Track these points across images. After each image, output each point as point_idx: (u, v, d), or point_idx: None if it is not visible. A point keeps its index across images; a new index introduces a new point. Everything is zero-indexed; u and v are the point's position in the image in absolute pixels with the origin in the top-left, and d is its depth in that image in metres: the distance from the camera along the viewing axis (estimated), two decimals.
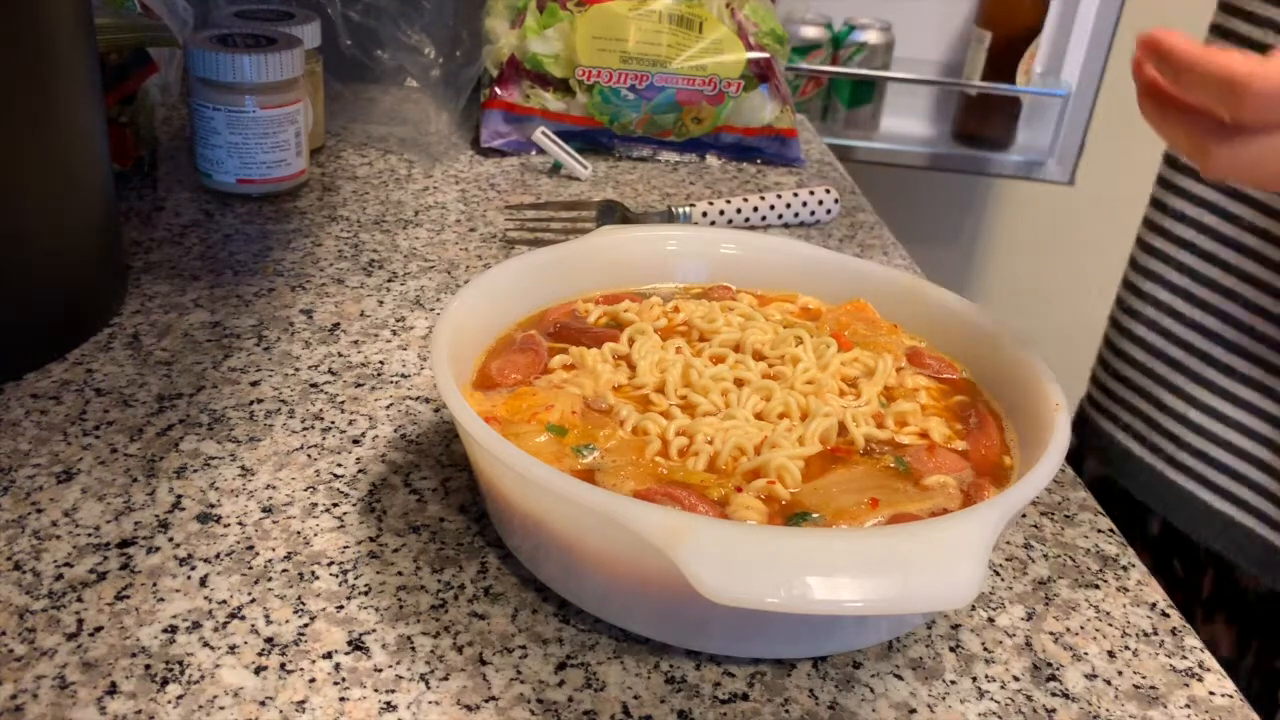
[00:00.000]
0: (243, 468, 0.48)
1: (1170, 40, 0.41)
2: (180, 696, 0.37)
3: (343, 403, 0.54)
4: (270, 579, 0.42)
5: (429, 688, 0.38)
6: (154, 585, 0.41)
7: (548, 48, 0.87)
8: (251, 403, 0.53)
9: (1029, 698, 0.41)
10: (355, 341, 0.59)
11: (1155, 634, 0.44)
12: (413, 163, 0.85)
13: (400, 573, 0.43)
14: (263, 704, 0.37)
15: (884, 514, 0.41)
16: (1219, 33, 0.66)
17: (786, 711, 0.39)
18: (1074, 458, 0.79)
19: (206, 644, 0.39)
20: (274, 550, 0.44)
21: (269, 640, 0.39)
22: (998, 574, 0.47)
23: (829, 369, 0.48)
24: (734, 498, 0.41)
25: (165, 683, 0.37)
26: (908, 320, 0.54)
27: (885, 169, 1.68)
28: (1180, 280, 0.70)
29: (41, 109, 0.52)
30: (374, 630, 0.40)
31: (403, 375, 0.56)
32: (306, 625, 0.40)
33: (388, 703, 0.37)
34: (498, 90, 0.87)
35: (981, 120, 1.74)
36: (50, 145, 0.53)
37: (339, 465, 0.49)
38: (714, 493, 0.41)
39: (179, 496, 0.46)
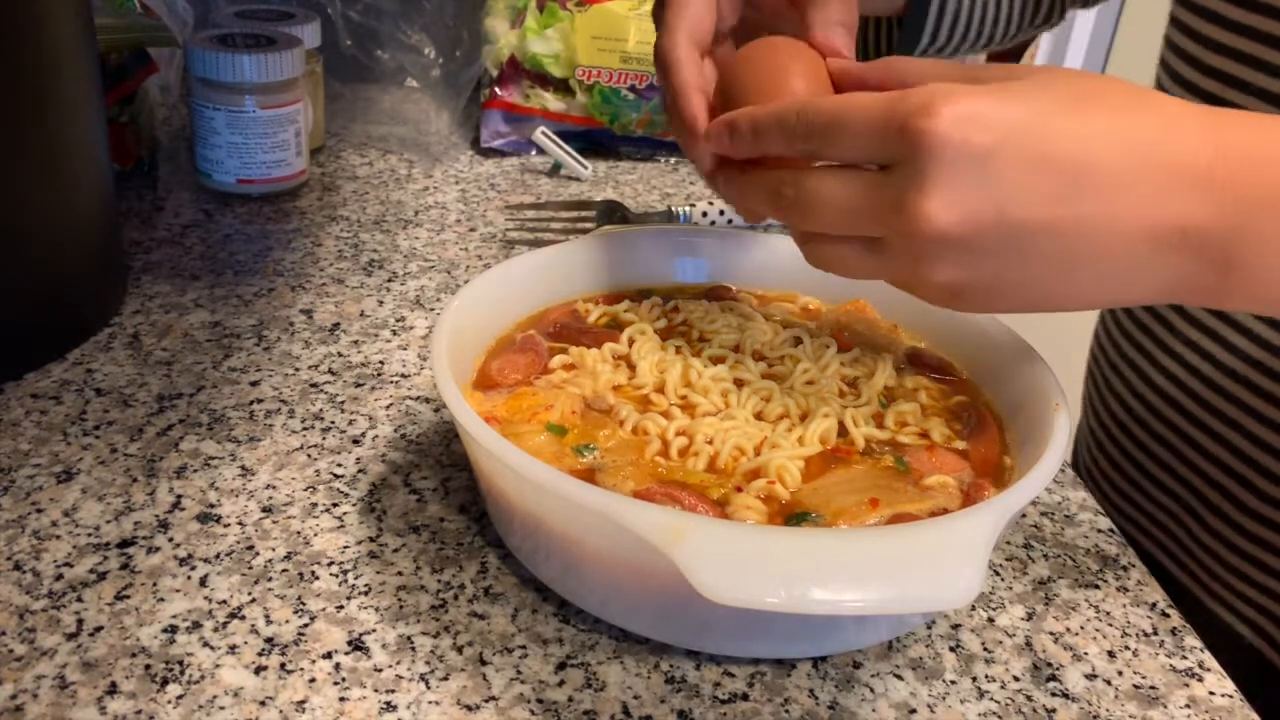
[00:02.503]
0: (243, 468, 0.48)
1: (739, 114, 0.43)
2: (180, 696, 0.37)
3: (343, 403, 0.54)
4: (270, 579, 0.42)
5: (429, 688, 0.38)
6: (154, 585, 0.41)
7: (548, 48, 0.87)
8: (251, 403, 0.53)
9: (1029, 698, 0.41)
10: (355, 341, 0.59)
11: (1155, 634, 0.44)
12: (413, 163, 0.85)
13: (400, 573, 0.43)
14: (263, 704, 0.37)
15: (884, 514, 0.41)
16: (1177, 26, 0.65)
17: (786, 711, 0.39)
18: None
19: (206, 644, 0.39)
20: (274, 550, 0.44)
21: (269, 640, 0.39)
22: (998, 574, 0.47)
23: (828, 369, 0.48)
24: (734, 498, 0.41)
25: (165, 683, 0.37)
26: (907, 321, 0.54)
27: None
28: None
29: (41, 109, 0.52)
30: (374, 630, 0.40)
31: (403, 375, 0.56)
32: (306, 625, 0.40)
33: (388, 703, 0.37)
34: (498, 90, 0.87)
35: None
36: (50, 145, 0.53)
37: (339, 465, 0.49)
38: (714, 493, 0.41)
39: (179, 496, 0.46)
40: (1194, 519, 0.64)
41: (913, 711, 0.39)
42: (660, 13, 0.50)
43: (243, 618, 0.40)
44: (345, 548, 0.44)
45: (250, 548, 0.44)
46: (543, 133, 0.85)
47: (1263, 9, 0.55)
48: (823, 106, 0.39)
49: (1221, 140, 0.36)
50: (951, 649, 0.42)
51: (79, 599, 0.40)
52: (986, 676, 0.41)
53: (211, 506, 0.46)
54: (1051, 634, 0.44)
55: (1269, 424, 0.58)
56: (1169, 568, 0.67)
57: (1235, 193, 0.36)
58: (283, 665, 0.38)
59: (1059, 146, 0.36)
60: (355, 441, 0.51)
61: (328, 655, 0.39)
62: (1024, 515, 0.51)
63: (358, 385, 0.55)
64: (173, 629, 0.40)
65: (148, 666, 0.38)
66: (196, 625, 0.40)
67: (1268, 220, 0.36)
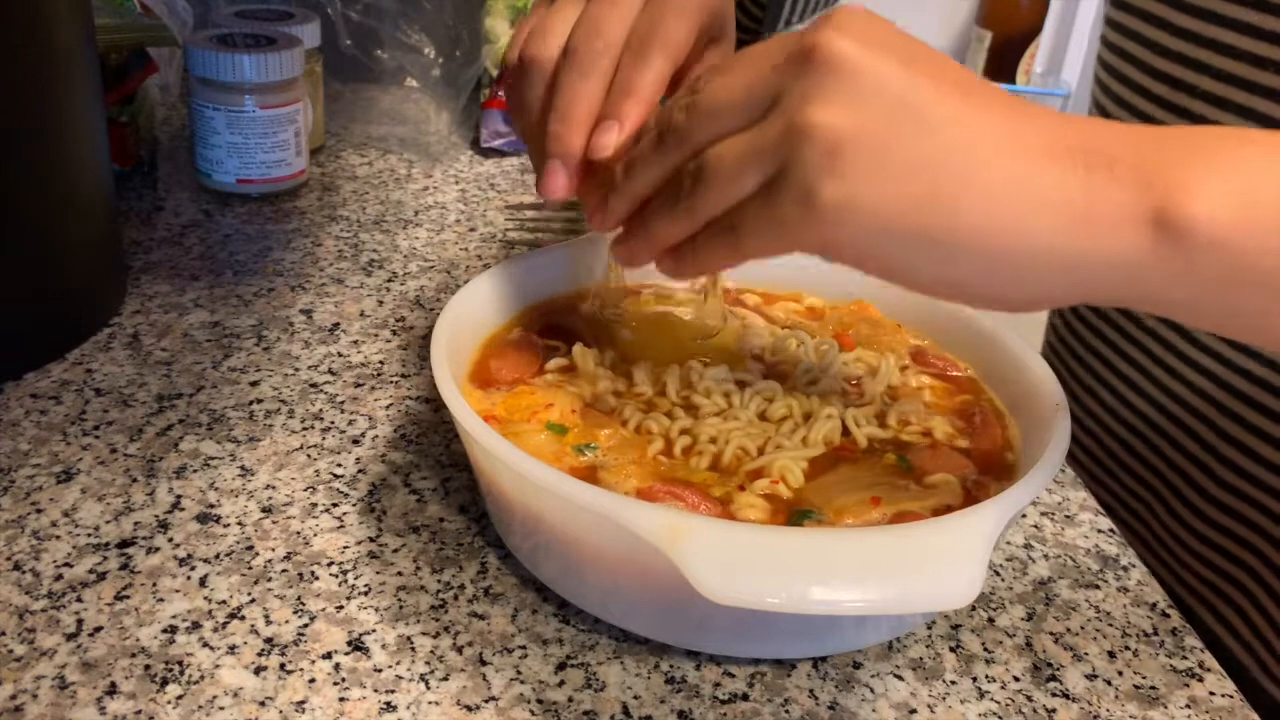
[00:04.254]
0: (242, 468, 0.48)
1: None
2: (180, 696, 0.37)
3: (343, 403, 0.54)
4: (270, 579, 0.42)
5: (429, 688, 0.38)
6: (154, 585, 0.41)
7: None
8: (251, 403, 0.53)
9: (1029, 698, 0.41)
10: (355, 341, 0.59)
11: (1155, 634, 0.44)
12: (413, 163, 0.85)
13: (400, 573, 0.43)
14: (262, 704, 0.37)
15: (886, 512, 0.41)
16: (1111, 25, 0.66)
17: (786, 711, 0.39)
18: None
19: (206, 644, 0.39)
20: (274, 550, 0.44)
21: (269, 640, 0.39)
22: (998, 574, 0.47)
23: (830, 369, 0.48)
24: (736, 496, 0.41)
25: (165, 683, 0.37)
26: (910, 321, 0.54)
27: None
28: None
29: (41, 109, 0.52)
30: (374, 630, 0.40)
31: (403, 375, 0.56)
32: (306, 625, 0.40)
33: (388, 703, 0.37)
34: (498, 90, 0.87)
35: None
36: (50, 145, 0.53)
37: (339, 465, 0.49)
38: (716, 491, 0.41)
39: (179, 496, 0.46)
40: (1162, 505, 0.65)
41: (913, 711, 0.39)
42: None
43: (242, 618, 0.40)
44: (345, 548, 0.44)
45: (250, 548, 0.44)
46: None
47: (1204, 14, 0.56)
48: (714, 67, 0.37)
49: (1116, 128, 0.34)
50: (951, 649, 0.42)
51: (79, 599, 0.40)
52: (986, 676, 0.41)
53: (211, 507, 0.46)
54: (1051, 634, 0.44)
55: (1230, 415, 0.59)
56: (1146, 559, 0.68)
57: (1139, 136, 0.33)
58: (282, 665, 0.38)
59: (949, 62, 0.34)
60: (355, 441, 0.51)
61: (327, 655, 0.39)
62: (1024, 515, 0.51)
63: (358, 385, 0.55)
64: (172, 629, 0.40)
65: (147, 666, 0.38)
66: (196, 625, 0.40)
67: (1187, 154, 0.32)
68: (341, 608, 0.41)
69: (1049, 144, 0.32)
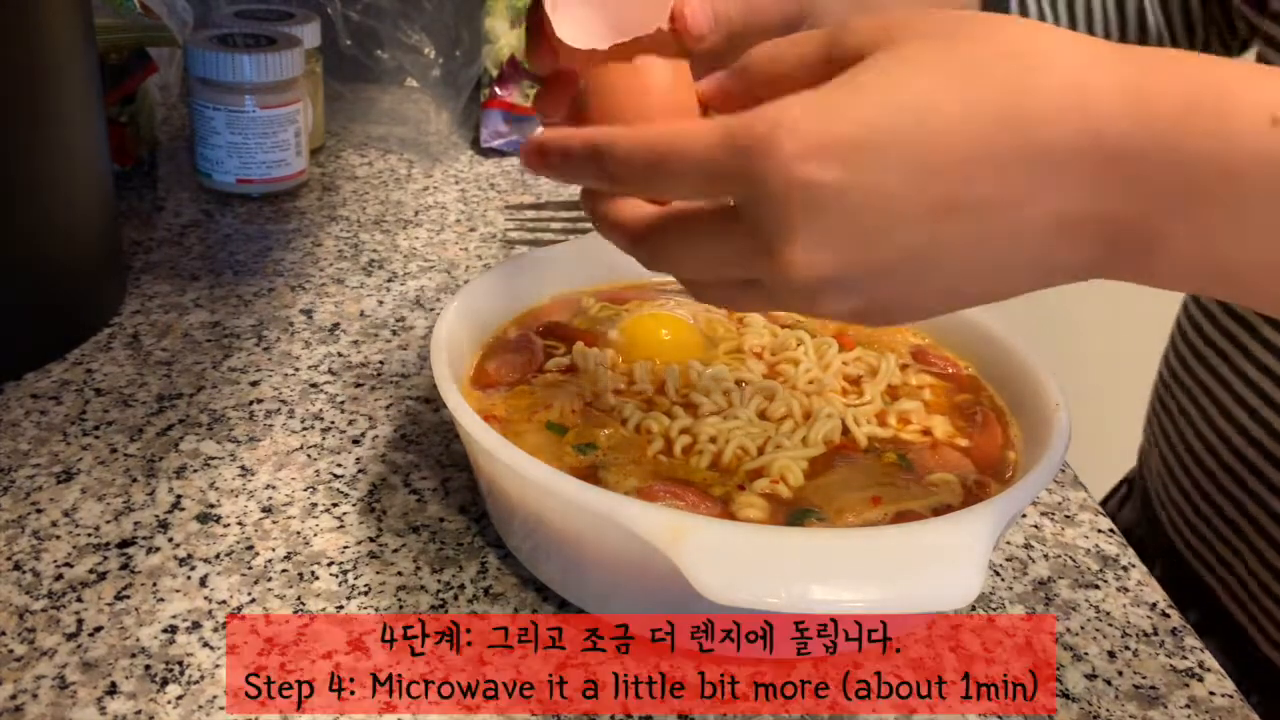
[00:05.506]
0: (243, 468, 0.48)
1: (550, 136, 0.35)
2: (180, 696, 0.37)
3: (343, 403, 0.54)
4: (270, 579, 0.42)
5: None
6: (154, 585, 0.41)
7: None
8: (251, 403, 0.53)
9: (1029, 698, 0.40)
10: (355, 341, 0.59)
11: (1155, 634, 0.44)
12: (413, 163, 0.85)
13: (400, 573, 0.43)
14: (263, 704, 0.37)
15: (886, 511, 0.41)
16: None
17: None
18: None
19: (206, 644, 0.39)
20: (274, 550, 0.44)
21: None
22: (998, 574, 0.47)
23: (830, 369, 0.48)
24: (736, 496, 0.41)
25: (165, 683, 0.37)
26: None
27: None
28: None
29: (41, 109, 0.52)
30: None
31: (403, 375, 0.56)
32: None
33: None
34: (498, 90, 0.87)
35: None
36: (50, 145, 0.53)
37: (339, 465, 0.49)
38: (716, 490, 0.41)
39: (179, 496, 0.46)
40: (1254, 554, 0.60)
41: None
42: None
43: (243, 618, 0.40)
44: (345, 548, 0.44)
45: (250, 548, 0.44)
46: None
47: None
48: (641, 141, 0.33)
49: (1141, 116, 0.30)
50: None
51: (79, 599, 0.40)
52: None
53: (211, 506, 0.46)
54: (1051, 634, 0.44)
55: None
56: (1229, 608, 0.63)
57: (1150, 185, 0.31)
58: (283, 665, 0.38)
59: (932, 150, 0.30)
60: (355, 441, 0.51)
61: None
62: (1024, 515, 0.51)
63: (358, 385, 0.55)
64: (173, 629, 0.40)
65: (148, 666, 0.38)
66: (196, 625, 0.40)
67: (1186, 211, 0.31)
68: (341, 607, 0.41)
69: (1060, 220, 0.31)
